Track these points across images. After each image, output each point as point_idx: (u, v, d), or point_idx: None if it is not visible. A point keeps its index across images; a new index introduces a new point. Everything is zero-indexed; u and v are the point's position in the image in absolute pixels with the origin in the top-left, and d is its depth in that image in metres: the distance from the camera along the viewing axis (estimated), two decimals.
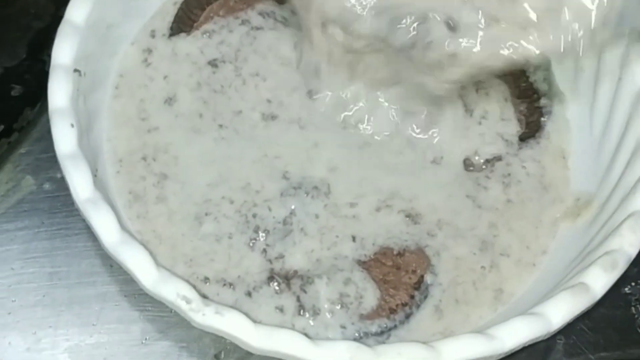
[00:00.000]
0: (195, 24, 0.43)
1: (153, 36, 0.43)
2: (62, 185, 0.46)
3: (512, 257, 0.39)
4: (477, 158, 0.41)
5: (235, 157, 0.40)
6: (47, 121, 0.47)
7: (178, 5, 0.44)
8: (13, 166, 0.46)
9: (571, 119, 0.42)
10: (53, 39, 0.47)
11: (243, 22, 0.43)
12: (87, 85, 0.40)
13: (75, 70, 0.38)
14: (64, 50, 0.39)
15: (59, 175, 0.46)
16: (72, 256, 0.44)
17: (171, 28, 0.43)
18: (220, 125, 0.41)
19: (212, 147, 0.40)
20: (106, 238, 0.35)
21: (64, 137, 0.37)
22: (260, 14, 0.43)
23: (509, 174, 0.41)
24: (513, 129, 0.42)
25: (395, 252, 0.39)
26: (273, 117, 0.41)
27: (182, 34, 0.43)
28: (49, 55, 0.46)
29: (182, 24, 0.43)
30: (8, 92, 0.46)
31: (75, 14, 0.39)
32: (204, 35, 0.43)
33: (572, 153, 0.42)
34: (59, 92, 0.37)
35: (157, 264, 0.35)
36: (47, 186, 0.46)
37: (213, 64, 0.42)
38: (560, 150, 0.42)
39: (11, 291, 0.43)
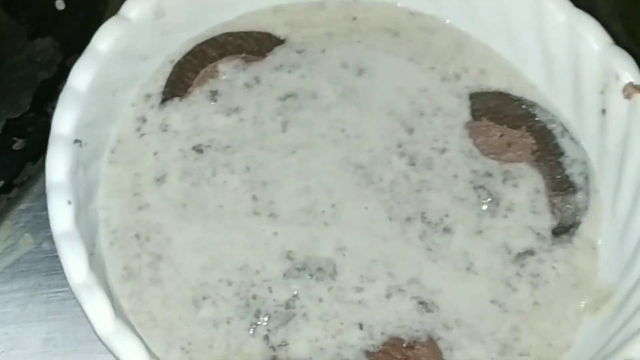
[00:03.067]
0: (189, 89, 0.42)
1: (147, 100, 0.42)
2: None
3: (532, 355, 0.38)
4: (508, 254, 0.40)
5: (226, 243, 0.39)
6: None
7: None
8: (12, 223, 0.46)
9: (600, 205, 0.41)
10: (59, 91, 0.46)
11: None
12: (87, 155, 0.39)
13: (76, 141, 0.38)
14: (64, 120, 0.38)
15: None
16: (68, 321, 0.43)
17: (163, 92, 0.42)
18: (205, 217, 0.39)
19: (200, 235, 0.39)
20: (99, 327, 0.34)
21: (60, 216, 0.36)
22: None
23: (539, 274, 0.39)
24: (546, 222, 0.40)
25: (404, 344, 0.38)
26: (271, 215, 0.40)
27: (175, 99, 0.42)
28: (54, 108, 0.46)
29: (175, 88, 0.42)
30: (9, 146, 0.45)
31: (78, 80, 0.39)
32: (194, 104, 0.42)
33: (601, 242, 0.41)
34: (57, 166, 0.37)
35: (151, 355, 0.34)
36: (45, 246, 0.45)
37: (198, 149, 0.41)
38: (591, 242, 0.40)
39: (3, 357, 0.43)
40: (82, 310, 0.35)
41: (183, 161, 0.40)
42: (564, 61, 0.42)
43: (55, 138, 0.37)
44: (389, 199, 0.40)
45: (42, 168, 0.46)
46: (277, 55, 0.43)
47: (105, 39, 0.40)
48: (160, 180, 0.40)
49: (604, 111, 0.41)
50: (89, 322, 0.35)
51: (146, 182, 0.40)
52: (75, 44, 0.47)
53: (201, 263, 0.39)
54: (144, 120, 0.41)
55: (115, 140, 0.41)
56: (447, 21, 0.44)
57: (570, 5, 0.41)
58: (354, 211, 0.40)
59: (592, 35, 0.41)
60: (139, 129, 0.41)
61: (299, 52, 0.43)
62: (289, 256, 0.39)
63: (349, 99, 0.42)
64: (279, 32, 0.44)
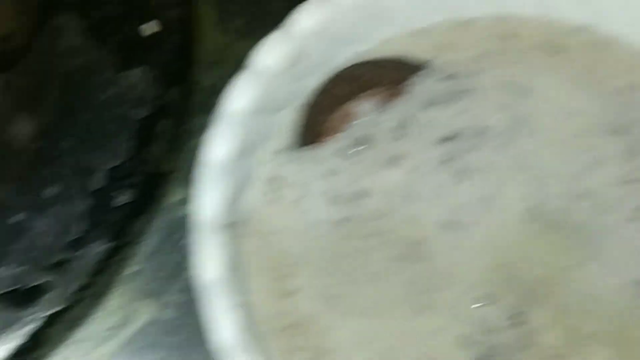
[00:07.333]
0: (322, 137, 0.37)
1: (277, 157, 0.37)
2: (184, 311, 0.41)
3: None
4: None
5: (391, 337, 0.35)
6: (157, 232, 0.43)
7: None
8: (123, 290, 0.42)
9: None
10: (158, 130, 0.42)
11: None
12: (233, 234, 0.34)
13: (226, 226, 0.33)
14: (208, 204, 0.33)
15: (182, 300, 0.41)
16: None
17: (293, 145, 0.37)
18: (361, 311, 0.35)
19: (360, 329, 0.35)
20: None
21: (226, 325, 0.32)
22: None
23: None
24: None
25: None
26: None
27: (307, 152, 0.37)
28: (155, 152, 0.42)
29: (306, 138, 0.37)
30: (111, 201, 0.41)
31: (216, 153, 0.34)
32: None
33: None
34: (213, 263, 0.33)
35: None
36: (167, 314, 0.41)
37: (342, 220, 0.36)
38: None
39: None
40: None
41: (325, 237, 0.36)
42: None
43: (202, 227, 0.33)
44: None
45: (149, 223, 0.42)
46: (423, 87, 0.38)
47: (240, 98, 0.35)
48: (298, 264, 0.36)
49: None
50: None
51: (288, 261, 0.35)
52: (171, 74, 0.42)
53: (369, 356, 0.35)
54: (274, 182, 0.37)
55: (247, 210, 0.36)
56: (617, 36, 0.39)
57: None
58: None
59: None
60: (267, 194, 0.37)
61: (446, 79, 0.38)
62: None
63: (523, 128, 0.37)
64: (419, 58, 0.39)
